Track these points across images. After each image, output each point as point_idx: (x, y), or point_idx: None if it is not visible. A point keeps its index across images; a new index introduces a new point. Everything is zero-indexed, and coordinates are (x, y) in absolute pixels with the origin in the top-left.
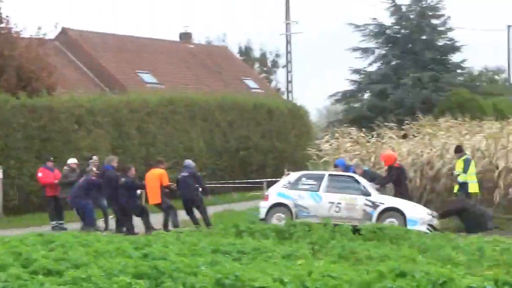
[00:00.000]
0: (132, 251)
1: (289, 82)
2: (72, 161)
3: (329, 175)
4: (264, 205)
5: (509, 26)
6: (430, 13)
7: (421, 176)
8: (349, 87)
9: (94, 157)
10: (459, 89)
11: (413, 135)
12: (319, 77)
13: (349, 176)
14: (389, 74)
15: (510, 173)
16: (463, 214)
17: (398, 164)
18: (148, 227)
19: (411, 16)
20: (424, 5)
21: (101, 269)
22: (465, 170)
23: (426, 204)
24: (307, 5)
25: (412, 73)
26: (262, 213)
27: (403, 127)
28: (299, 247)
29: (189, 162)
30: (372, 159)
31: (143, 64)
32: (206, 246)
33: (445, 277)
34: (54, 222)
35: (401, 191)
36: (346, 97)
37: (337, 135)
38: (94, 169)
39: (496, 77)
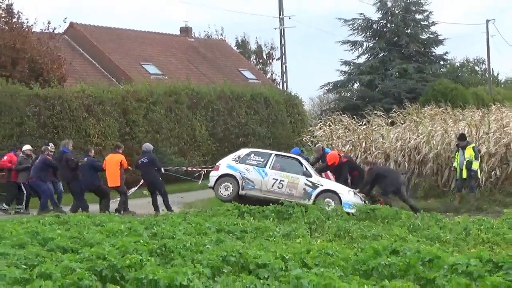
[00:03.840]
0: (142, 230)
1: (283, 73)
2: (26, 147)
3: (276, 154)
4: (213, 175)
5: (488, 21)
6: (414, 8)
7: (408, 161)
8: (339, 77)
9: (51, 144)
10: (442, 79)
11: (400, 123)
12: (312, 68)
13: (293, 157)
14: (377, 66)
15: (491, 158)
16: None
17: (344, 158)
18: (106, 209)
19: (396, 11)
20: (408, 1)
21: (114, 247)
22: (476, 158)
23: (414, 186)
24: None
25: (398, 65)
26: (211, 182)
27: (390, 114)
28: (298, 226)
29: (147, 145)
30: (363, 144)
31: (146, 57)
32: (211, 226)
33: (434, 255)
34: (7, 207)
35: (341, 180)
36: (337, 87)
37: (329, 122)
38: (49, 146)
39: (476, 68)
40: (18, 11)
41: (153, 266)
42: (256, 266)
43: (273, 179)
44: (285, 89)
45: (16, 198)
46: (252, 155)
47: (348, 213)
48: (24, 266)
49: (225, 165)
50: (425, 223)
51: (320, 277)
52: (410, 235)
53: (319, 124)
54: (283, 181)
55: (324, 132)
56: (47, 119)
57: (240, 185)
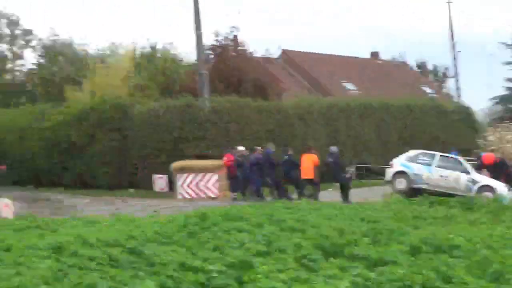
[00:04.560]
0: (354, 216)
1: (457, 88)
2: (241, 149)
3: (440, 155)
4: (390, 171)
5: None
6: None
7: None
8: (505, 92)
9: (258, 148)
10: None
11: None
12: (480, 84)
13: (454, 158)
14: None
15: None
16: None
17: (498, 159)
18: (300, 196)
19: None
20: None
21: (332, 228)
22: None
23: None
24: (470, 26)
25: None
26: (388, 177)
27: None
28: (480, 215)
29: (333, 148)
30: None
31: (344, 75)
32: (408, 213)
33: None
34: (235, 194)
35: (496, 177)
36: (503, 99)
37: (499, 129)
38: (259, 148)
39: None
40: (242, 41)
41: (365, 245)
42: (449, 247)
43: (440, 175)
44: (459, 101)
45: (232, 187)
46: (420, 155)
47: None
48: (263, 242)
49: (399, 163)
50: None
51: (506, 258)
52: None
53: (490, 131)
54: (448, 177)
55: (495, 137)
56: (272, 124)
57: (411, 180)
